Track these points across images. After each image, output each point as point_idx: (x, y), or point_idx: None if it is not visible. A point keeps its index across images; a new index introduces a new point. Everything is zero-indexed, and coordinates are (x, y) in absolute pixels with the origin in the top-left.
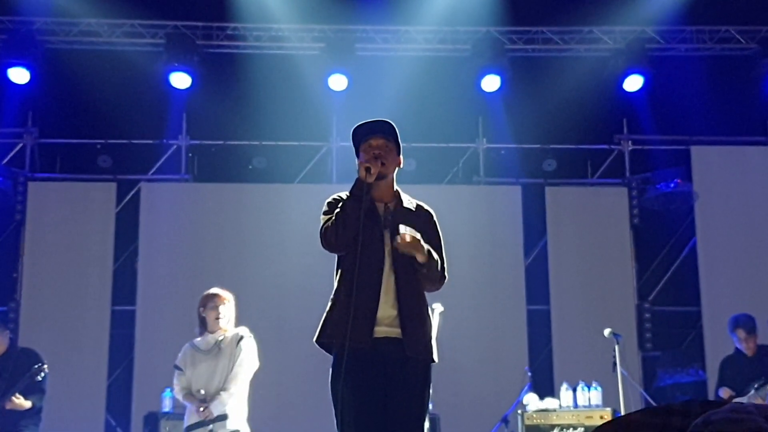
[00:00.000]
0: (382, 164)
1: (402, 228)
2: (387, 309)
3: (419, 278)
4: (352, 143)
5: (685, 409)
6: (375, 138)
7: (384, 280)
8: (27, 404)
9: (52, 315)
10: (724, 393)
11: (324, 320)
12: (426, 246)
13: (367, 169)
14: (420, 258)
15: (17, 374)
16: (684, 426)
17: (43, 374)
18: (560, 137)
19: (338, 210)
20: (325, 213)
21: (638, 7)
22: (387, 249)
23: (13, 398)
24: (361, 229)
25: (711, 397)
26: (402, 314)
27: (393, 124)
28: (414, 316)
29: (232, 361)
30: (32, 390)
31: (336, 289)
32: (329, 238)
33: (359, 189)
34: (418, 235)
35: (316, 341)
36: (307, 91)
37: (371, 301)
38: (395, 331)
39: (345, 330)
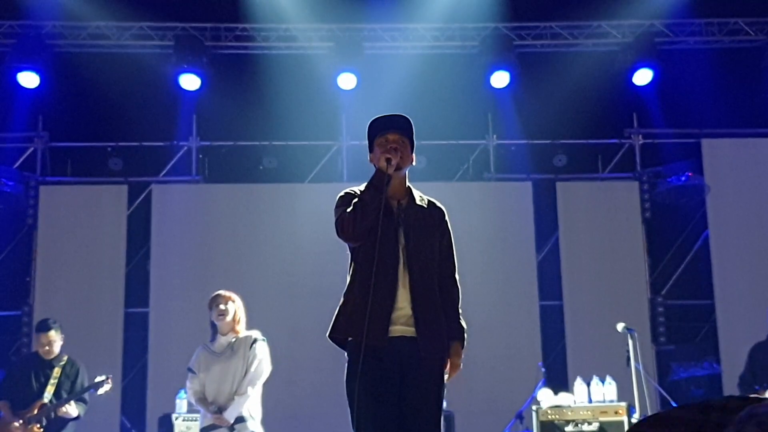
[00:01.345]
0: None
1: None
2: (402, 308)
3: (433, 274)
4: (366, 137)
5: (723, 405)
6: (392, 133)
7: (399, 278)
8: (74, 413)
9: (65, 318)
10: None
11: (337, 315)
12: (459, 359)
13: (388, 160)
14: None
15: (63, 381)
16: (724, 422)
17: (108, 387)
18: (570, 132)
19: (356, 200)
20: (338, 208)
21: (647, 1)
22: (401, 246)
23: (66, 405)
24: (380, 222)
25: (728, 384)
26: (416, 313)
27: (410, 120)
28: (428, 315)
29: (246, 364)
30: (80, 400)
31: (350, 284)
32: (346, 226)
33: (380, 180)
34: (453, 369)
35: (329, 336)
36: (316, 90)
37: (387, 300)
38: (410, 330)
39: (360, 327)
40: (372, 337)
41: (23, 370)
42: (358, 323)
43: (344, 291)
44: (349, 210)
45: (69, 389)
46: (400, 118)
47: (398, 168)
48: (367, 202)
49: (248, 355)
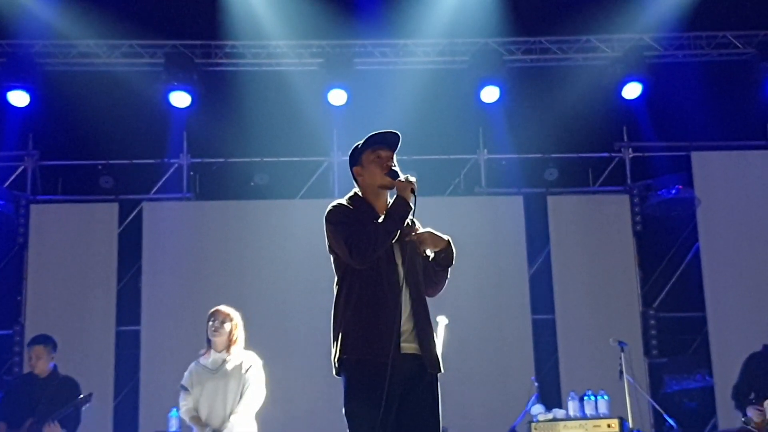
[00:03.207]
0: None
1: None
2: (404, 323)
3: (432, 281)
4: (359, 147)
5: None
6: (386, 150)
7: (402, 295)
8: None
9: (56, 337)
10: (755, 415)
11: (344, 337)
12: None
13: (413, 191)
14: (441, 244)
15: (56, 401)
16: None
17: (87, 405)
18: (561, 146)
19: (380, 229)
20: (339, 223)
21: (635, 15)
22: (399, 263)
23: (51, 424)
24: (404, 250)
25: (720, 397)
26: (418, 328)
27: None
28: (427, 330)
29: (240, 387)
30: (70, 418)
31: (354, 304)
32: (364, 253)
33: (406, 212)
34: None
35: (338, 359)
36: (307, 106)
37: (395, 317)
38: (412, 346)
39: (376, 347)
40: (384, 355)
41: (19, 390)
42: (373, 343)
43: (344, 312)
44: (364, 235)
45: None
46: (396, 136)
47: (388, 187)
48: (392, 233)
49: (243, 380)
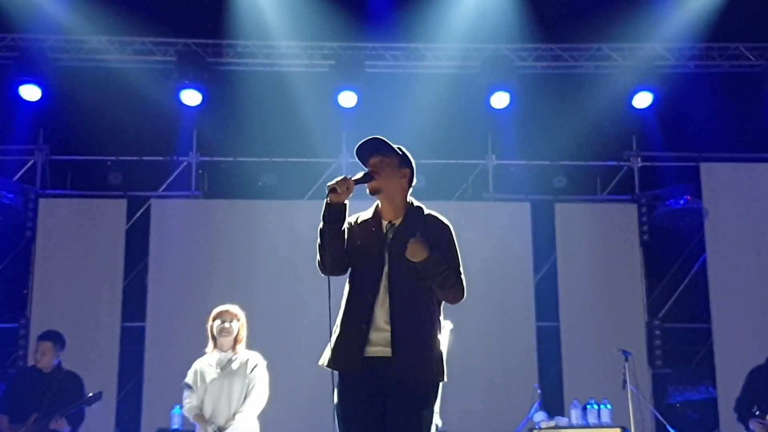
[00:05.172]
0: (373, 178)
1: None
2: (383, 329)
3: (421, 296)
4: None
5: None
6: (372, 157)
7: (379, 300)
8: (67, 428)
9: (61, 331)
10: (758, 428)
11: (329, 344)
12: (425, 246)
13: (333, 190)
14: (417, 257)
15: (60, 397)
16: None
17: (98, 402)
18: (570, 154)
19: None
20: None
21: (648, 25)
22: (385, 269)
23: (58, 419)
24: (350, 251)
25: (724, 409)
26: (394, 335)
27: (383, 138)
28: (408, 336)
29: (245, 386)
30: (74, 414)
31: (340, 312)
32: (319, 268)
33: (326, 212)
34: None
35: (321, 364)
36: (317, 107)
37: (362, 322)
38: (388, 351)
39: (336, 353)
40: (345, 362)
41: (22, 384)
42: (334, 349)
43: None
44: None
45: (67, 403)
46: (369, 142)
47: (376, 190)
48: (323, 239)
49: (249, 378)
